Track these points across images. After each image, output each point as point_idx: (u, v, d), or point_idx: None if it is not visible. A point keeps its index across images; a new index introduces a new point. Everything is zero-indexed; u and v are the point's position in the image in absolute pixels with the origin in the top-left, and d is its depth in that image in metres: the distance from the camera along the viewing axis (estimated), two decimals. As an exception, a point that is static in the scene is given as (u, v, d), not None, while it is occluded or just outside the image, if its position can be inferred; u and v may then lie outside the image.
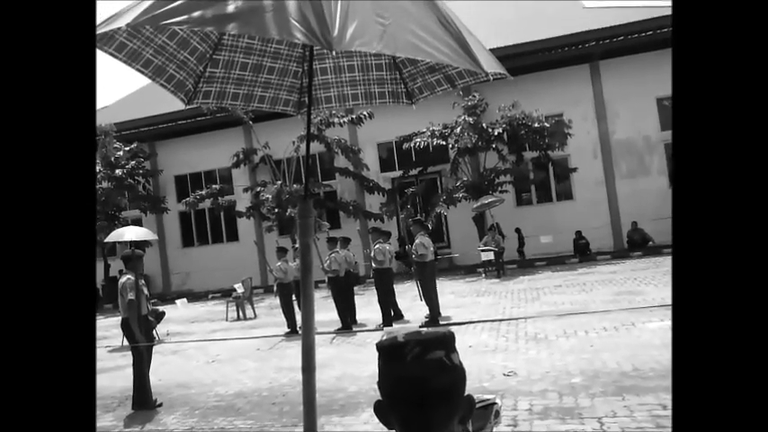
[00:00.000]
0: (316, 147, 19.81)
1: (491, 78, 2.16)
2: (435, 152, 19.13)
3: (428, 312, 10.02)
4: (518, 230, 18.47)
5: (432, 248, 10.37)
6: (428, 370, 1.18)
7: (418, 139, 18.31)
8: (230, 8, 1.77)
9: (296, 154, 19.54)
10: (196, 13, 1.76)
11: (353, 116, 18.37)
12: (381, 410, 1.25)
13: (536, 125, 17.23)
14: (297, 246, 11.65)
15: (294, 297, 11.02)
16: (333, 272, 10.58)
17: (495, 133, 17.52)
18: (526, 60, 18.80)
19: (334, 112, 17.75)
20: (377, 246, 10.54)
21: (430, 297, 10.03)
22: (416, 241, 10.27)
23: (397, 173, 20.82)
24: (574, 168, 18.69)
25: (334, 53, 2.02)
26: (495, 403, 2.45)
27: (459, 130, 17.91)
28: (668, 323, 7.79)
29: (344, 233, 15.77)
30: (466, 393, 1.22)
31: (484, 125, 17.79)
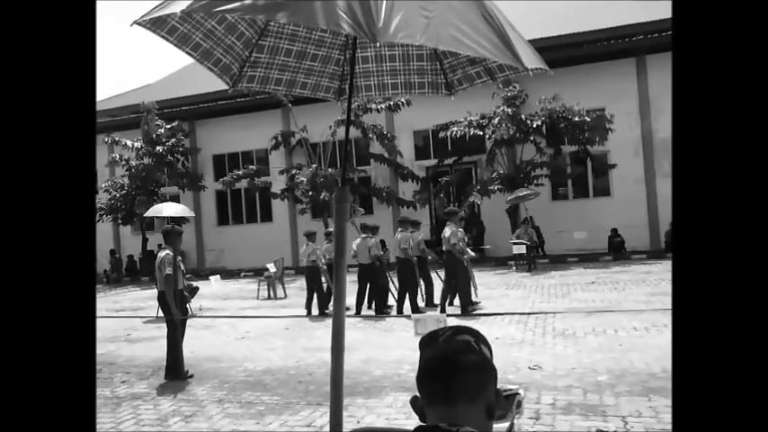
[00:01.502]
0: (352, 132, 19.89)
1: (531, 74, 2.18)
2: (471, 142, 19.02)
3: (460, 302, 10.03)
4: (537, 228, 17.96)
5: (462, 239, 10.27)
6: (456, 346, 1.25)
7: (455, 129, 18.23)
8: None
9: (332, 138, 19.66)
10: (247, 1, 1.81)
11: (391, 103, 18.37)
12: (417, 403, 1.28)
13: (576, 119, 16.97)
14: (330, 229, 11.75)
15: (324, 280, 11.17)
16: (353, 258, 10.70)
17: (534, 125, 17.32)
18: (570, 52, 18.49)
19: (372, 98, 17.78)
20: (399, 234, 10.60)
21: (460, 288, 10.04)
22: (447, 231, 10.21)
23: (432, 161, 20.77)
24: (613, 165, 18.37)
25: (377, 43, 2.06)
26: (518, 393, 2.50)
27: (496, 120, 17.76)
28: None
29: (377, 219, 15.88)
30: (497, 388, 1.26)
31: (522, 117, 17.60)
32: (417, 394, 1.28)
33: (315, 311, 10.97)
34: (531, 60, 2.15)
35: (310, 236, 11.46)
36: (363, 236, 10.88)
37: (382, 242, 11.94)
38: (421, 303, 10.63)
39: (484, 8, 2.09)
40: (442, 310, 9.92)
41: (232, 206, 23.67)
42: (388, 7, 1.79)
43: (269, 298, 13.91)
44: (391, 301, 10.92)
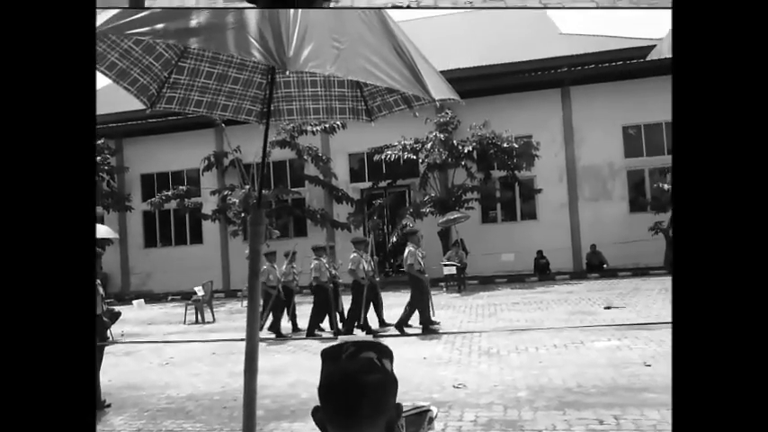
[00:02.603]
0: (287, 153, 19.84)
1: (437, 104, 2.31)
2: (405, 165, 19.33)
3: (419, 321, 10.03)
4: (466, 250, 18.14)
5: (422, 260, 10.32)
6: (358, 366, 1.24)
7: (389, 152, 18.49)
8: (192, 23, 1.85)
9: (267, 159, 19.51)
10: (159, 26, 1.83)
11: (326, 125, 18.47)
12: (317, 415, 1.28)
13: (505, 145, 17.55)
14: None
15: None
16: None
17: (465, 151, 17.79)
18: (500, 81, 19.20)
19: (295, 122, 17.80)
20: (353, 255, 10.60)
21: (416, 307, 10.07)
22: (406, 251, 10.32)
23: (367, 184, 20.94)
24: (539, 189, 19.08)
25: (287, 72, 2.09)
26: (430, 410, 2.57)
27: (430, 145, 18.14)
28: (615, 342, 8.05)
29: (311, 242, 15.79)
30: (396, 402, 1.28)
31: (454, 142, 18.05)
32: (319, 405, 1.28)
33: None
34: (440, 92, 2.24)
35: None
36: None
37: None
38: (375, 326, 10.64)
39: (395, 41, 2.16)
40: (400, 329, 9.94)
41: (160, 228, 23.00)
42: (299, 37, 1.82)
43: (196, 322, 13.54)
44: (325, 323, 10.89)
